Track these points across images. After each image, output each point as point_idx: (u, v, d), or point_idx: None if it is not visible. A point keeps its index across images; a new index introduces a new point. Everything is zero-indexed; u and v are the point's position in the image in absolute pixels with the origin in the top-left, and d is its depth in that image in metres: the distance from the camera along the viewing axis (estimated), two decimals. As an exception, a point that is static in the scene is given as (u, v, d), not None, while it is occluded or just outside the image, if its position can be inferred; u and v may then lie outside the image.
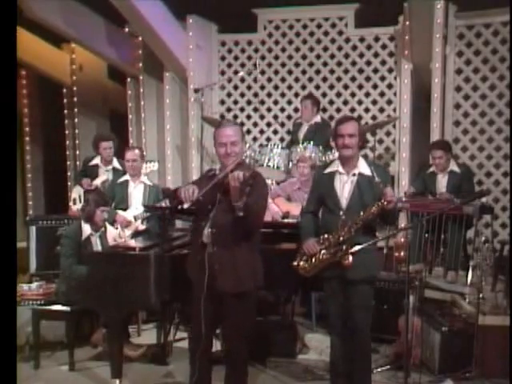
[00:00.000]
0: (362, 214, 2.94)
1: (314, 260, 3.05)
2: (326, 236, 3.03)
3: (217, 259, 2.74)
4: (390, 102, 5.96)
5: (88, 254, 3.75)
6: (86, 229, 3.99)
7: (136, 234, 4.50)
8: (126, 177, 4.73)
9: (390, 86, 5.96)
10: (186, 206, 2.73)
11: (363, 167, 3.05)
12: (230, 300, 2.77)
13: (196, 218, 2.91)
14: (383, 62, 5.97)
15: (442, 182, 4.75)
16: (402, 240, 5.03)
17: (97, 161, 5.23)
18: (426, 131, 5.49)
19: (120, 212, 4.55)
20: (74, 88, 7.20)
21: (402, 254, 4.84)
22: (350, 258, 2.93)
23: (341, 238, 2.97)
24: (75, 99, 7.22)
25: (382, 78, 5.98)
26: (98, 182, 5.12)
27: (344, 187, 3.04)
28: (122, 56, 6.45)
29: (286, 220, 4.42)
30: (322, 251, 3.03)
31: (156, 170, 5.34)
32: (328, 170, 3.13)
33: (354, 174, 3.04)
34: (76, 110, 7.24)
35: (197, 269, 2.80)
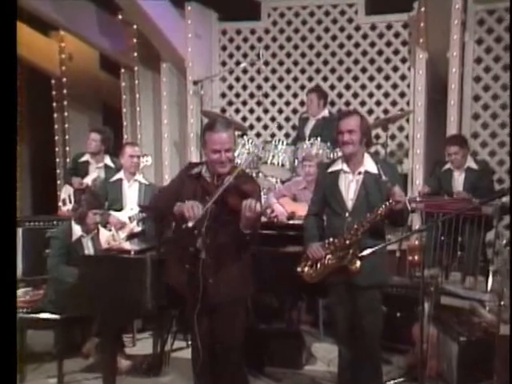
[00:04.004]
0: (368, 215, 2.96)
1: (319, 266, 3.08)
2: (331, 240, 3.05)
3: (211, 271, 2.77)
4: (403, 95, 5.98)
5: (79, 257, 3.76)
6: (77, 230, 4.00)
7: (131, 237, 4.50)
8: (120, 175, 4.75)
9: (403, 77, 5.97)
10: (190, 224, 2.63)
11: (370, 165, 3.06)
12: (224, 307, 2.82)
13: (181, 224, 2.83)
14: (396, 52, 5.99)
15: (459, 180, 4.77)
16: (416, 243, 5.02)
17: (87, 157, 5.26)
18: (442, 125, 5.49)
19: (113, 213, 4.58)
20: (64, 79, 7.22)
21: (416, 257, 4.83)
22: (358, 262, 2.95)
23: (347, 242, 3.00)
24: (65, 91, 7.24)
25: (395, 69, 5.99)
26: (88, 179, 5.15)
27: (349, 187, 3.06)
28: (116, 45, 6.48)
29: (291, 221, 4.44)
30: (328, 256, 3.05)
31: (150, 166, 5.36)
32: (332, 169, 3.15)
33: (359, 173, 3.06)
34: (66, 102, 7.26)
35: (185, 279, 2.82)
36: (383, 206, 2.93)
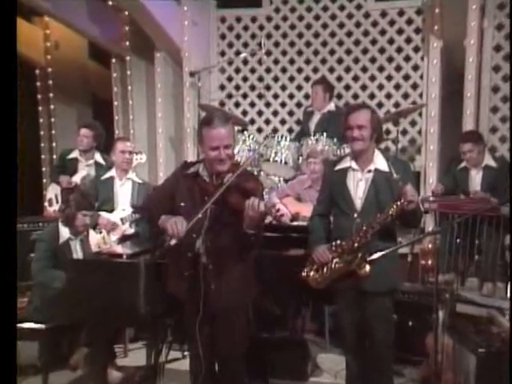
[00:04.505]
0: (378, 216, 2.98)
1: (325, 270, 3.09)
2: (338, 242, 3.07)
3: (213, 277, 2.79)
4: (415, 87, 6.00)
5: (67, 261, 3.76)
6: (64, 232, 4.00)
7: (123, 239, 4.52)
8: (111, 173, 4.75)
9: (416, 68, 5.99)
10: (172, 242, 2.65)
11: (380, 162, 3.08)
12: (225, 315, 2.84)
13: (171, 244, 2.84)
14: (408, 40, 6.00)
15: (476, 178, 4.78)
16: (430, 246, 5.04)
17: (76, 154, 5.26)
18: (458, 119, 5.50)
19: (104, 214, 4.59)
20: (49, 69, 7.20)
21: (430, 262, 4.85)
22: (367, 267, 2.96)
23: (356, 245, 3.01)
24: (50, 82, 7.21)
25: (407, 59, 6.01)
26: (77, 178, 5.16)
27: (358, 186, 3.07)
28: (106, 32, 6.45)
29: (295, 223, 4.46)
30: (335, 260, 3.07)
31: (144, 164, 5.37)
32: (340, 166, 3.17)
33: (369, 171, 3.08)
34: (51, 94, 7.24)
35: (185, 286, 2.83)
36: (394, 206, 2.94)
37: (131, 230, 4.64)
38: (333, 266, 3.07)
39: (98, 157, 5.24)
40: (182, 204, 2.80)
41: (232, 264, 2.81)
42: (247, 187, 2.70)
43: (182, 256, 2.83)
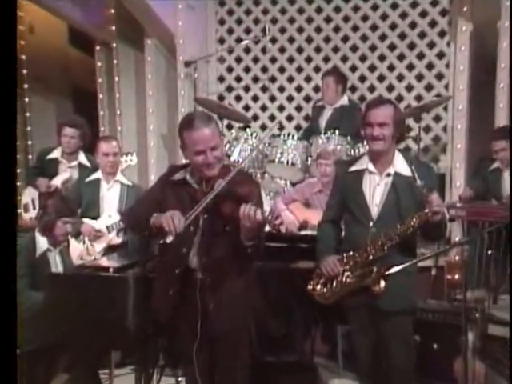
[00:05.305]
0: (399, 227, 2.98)
1: (334, 284, 3.10)
2: (350, 253, 3.08)
3: (211, 296, 2.79)
4: (440, 77, 6.01)
5: (45, 276, 3.76)
6: (42, 242, 4.00)
7: (109, 250, 4.53)
8: (97, 174, 4.75)
9: (441, 55, 6.00)
10: (169, 240, 2.64)
11: (401, 165, 3.09)
12: (226, 336, 2.84)
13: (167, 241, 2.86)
14: (433, 23, 6.00)
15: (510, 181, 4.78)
16: (457, 258, 5.05)
17: (57, 154, 5.24)
18: (489, 114, 5.50)
19: (88, 221, 4.60)
20: (23, 56, 7.15)
21: (457, 276, 4.86)
22: (383, 282, 2.97)
23: (370, 257, 3.02)
24: (25, 72, 7.18)
25: (431, 45, 6.02)
26: (57, 181, 5.13)
27: (375, 191, 3.08)
28: (89, 16, 6.44)
29: (303, 232, 4.47)
30: (346, 273, 3.07)
31: (134, 165, 5.37)
32: (354, 168, 3.18)
33: (388, 174, 3.09)
34: (26, 86, 7.21)
35: (167, 307, 2.85)
36: (417, 217, 2.95)
37: (118, 240, 4.64)
38: (343, 279, 3.08)
39: (83, 157, 5.20)
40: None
41: (231, 280, 2.81)
42: (240, 193, 2.68)
43: (172, 271, 2.84)
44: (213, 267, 2.79)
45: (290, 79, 6.36)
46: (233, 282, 2.82)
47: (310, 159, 5.29)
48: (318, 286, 3.15)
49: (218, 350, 2.88)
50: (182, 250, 2.80)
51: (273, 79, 6.38)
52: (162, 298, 2.89)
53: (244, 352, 2.94)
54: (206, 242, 2.79)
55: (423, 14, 6.01)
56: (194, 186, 2.85)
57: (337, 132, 5.23)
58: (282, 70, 6.36)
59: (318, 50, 6.27)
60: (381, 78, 6.14)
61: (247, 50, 6.42)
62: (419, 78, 6.06)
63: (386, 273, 2.96)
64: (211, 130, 2.76)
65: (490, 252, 4.31)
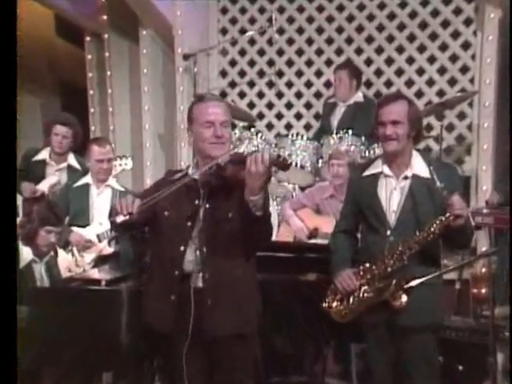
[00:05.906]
0: (418, 234, 2.98)
1: (351, 300, 3.10)
2: (367, 265, 3.08)
3: (210, 293, 2.77)
4: (465, 70, 6.01)
5: (29, 290, 3.77)
6: (26, 253, 4.01)
7: (100, 261, 4.54)
8: (87, 179, 4.76)
9: (466, 46, 6.00)
10: (119, 219, 2.65)
11: (419, 167, 3.09)
12: (228, 345, 2.80)
13: (161, 241, 2.88)
14: (457, 11, 5.99)
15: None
16: (483, 270, 5.02)
17: (44, 155, 5.23)
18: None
19: (77, 229, 4.61)
20: (4, 48, 7.26)
21: (483, 290, 4.83)
22: (404, 297, 2.97)
23: (389, 269, 3.02)
24: (8, 65, 7.28)
25: (455, 35, 6.01)
26: (44, 186, 5.13)
27: (392, 196, 3.08)
28: (78, 4, 6.48)
29: (313, 240, 4.47)
30: (363, 287, 3.08)
31: (129, 170, 5.38)
32: (369, 172, 3.19)
33: (405, 177, 3.09)
34: (10, 81, 7.31)
35: (170, 314, 2.81)
36: (437, 222, 2.95)
37: (110, 250, 4.64)
38: (361, 295, 3.08)
39: (72, 159, 5.18)
40: (166, 213, 2.80)
41: (235, 273, 2.78)
42: (243, 157, 2.65)
43: (166, 275, 2.82)
44: (213, 262, 2.77)
45: (299, 74, 6.37)
46: (234, 275, 2.79)
47: (320, 161, 5.31)
48: (334, 303, 3.15)
49: (214, 357, 2.84)
50: (178, 249, 2.79)
51: (280, 74, 6.39)
52: (162, 306, 2.84)
53: (247, 369, 2.90)
54: (207, 234, 2.77)
55: (446, 1, 6.00)
56: (195, 178, 2.82)
57: (350, 132, 5.25)
58: (290, 63, 6.38)
59: (329, 41, 6.29)
60: (399, 72, 6.15)
61: (252, 42, 6.44)
62: (442, 71, 6.06)
63: (406, 286, 2.96)
64: (223, 107, 2.86)
65: (520, 263, 4.30)
